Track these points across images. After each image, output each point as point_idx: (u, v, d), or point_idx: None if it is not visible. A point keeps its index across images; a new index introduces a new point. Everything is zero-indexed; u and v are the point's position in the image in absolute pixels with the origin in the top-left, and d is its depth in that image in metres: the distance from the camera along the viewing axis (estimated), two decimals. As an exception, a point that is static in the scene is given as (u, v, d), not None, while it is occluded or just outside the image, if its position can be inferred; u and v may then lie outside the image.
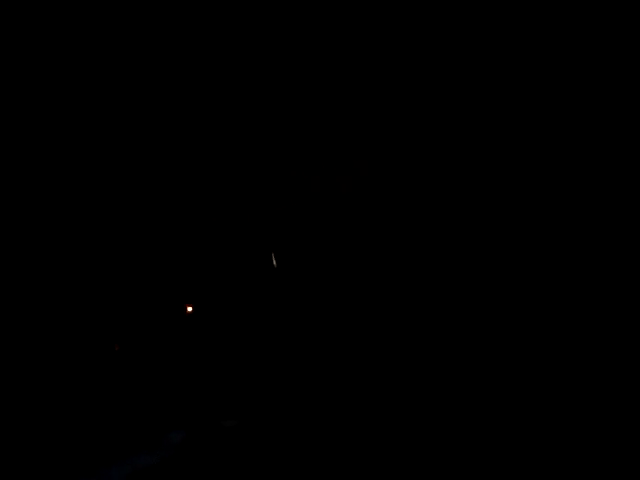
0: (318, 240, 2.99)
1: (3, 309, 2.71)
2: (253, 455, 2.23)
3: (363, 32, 2.91)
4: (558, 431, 2.20)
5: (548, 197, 2.75)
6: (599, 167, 2.71)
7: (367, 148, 3.01)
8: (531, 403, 2.35)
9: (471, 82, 2.86)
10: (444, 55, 2.88)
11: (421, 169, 2.96)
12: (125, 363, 2.78)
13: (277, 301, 2.95)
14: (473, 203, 2.85)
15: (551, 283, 2.65)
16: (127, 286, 2.94)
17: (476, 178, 2.87)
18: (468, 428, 2.28)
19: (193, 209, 3.04)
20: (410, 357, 2.67)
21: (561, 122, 2.76)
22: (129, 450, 2.29)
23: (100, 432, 2.41)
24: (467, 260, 2.83)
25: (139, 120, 2.97)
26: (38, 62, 2.85)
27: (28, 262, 2.81)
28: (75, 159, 2.92)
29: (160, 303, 2.95)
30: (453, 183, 2.90)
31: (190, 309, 2.92)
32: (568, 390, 2.37)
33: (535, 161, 2.78)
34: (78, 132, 2.93)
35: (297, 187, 3.02)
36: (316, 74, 2.98)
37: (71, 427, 2.42)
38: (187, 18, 2.91)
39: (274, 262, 2.82)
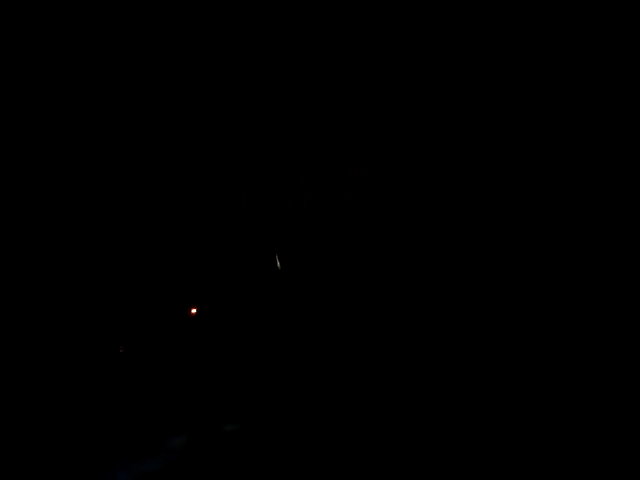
0: (320, 244, 3.00)
1: (8, 311, 2.70)
2: (257, 460, 2.23)
3: (362, 36, 2.90)
4: (558, 431, 2.22)
5: (552, 206, 2.75)
6: (599, 167, 2.72)
7: (367, 154, 3.01)
8: (531, 403, 2.37)
9: (472, 88, 2.86)
10: (445, 60, 2.88)
11: (422, 177, 2.96)
12: (127, 365, 2.78)
13: (281, 304, 2.95)
14: (477, 215, 2.86)
15: (555, 290, 2.66)
16: (128, 287, 2.94)
17: (480, 187, 2.87)
18: (472, 429, 2.29)
19: (199, 212, 3.04)
20: (413, 361, 2.68)
21: (565, 125, 2.76)
22: (131, 454, 2.28)
23: (102, 436, 2.40)
24: (470, 267, 2.84)
25: (142, 127, 2.96)
26: (38, 62, 2.83)
27: (33, 262, 2.80)
28: (79, 161, 2.91)
29: (162, 305, 2.94)
30: (455, 192, 2.90)
31: (194, 311, 2.92)
32: (568, 390, 2.38)
33: (538, 168, 2.79)
34: (80, 133, 2.91)
35: (299, 191, 3.02)
36: (314, 80, 2.97)
37: (73, 431, 2.42)
38: (180, 19, 2.90)
39: (278, 264, 2.82)
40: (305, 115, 3.02)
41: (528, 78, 2.81)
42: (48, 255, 2.83)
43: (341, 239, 3.01)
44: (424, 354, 2.69)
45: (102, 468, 2.18)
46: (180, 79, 2.96)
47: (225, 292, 2.99)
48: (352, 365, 2.72)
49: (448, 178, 2.93)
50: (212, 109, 3.02)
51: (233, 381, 2.76)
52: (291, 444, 2.30)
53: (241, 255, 3.03)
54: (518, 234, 2.80)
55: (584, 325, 2.55)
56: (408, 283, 2.89)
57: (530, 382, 2.46)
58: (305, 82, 2.99)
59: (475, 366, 2.59)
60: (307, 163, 3.03)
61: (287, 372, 2.76)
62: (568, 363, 2.48)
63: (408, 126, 2.97)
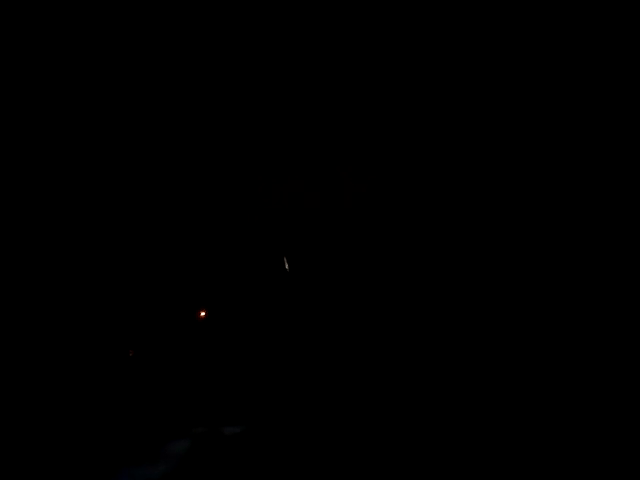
0: (321, 244, 2.99)
1: (16, 314, 2.69)
2: (259, 463, 2.22)
3: (362, 38, 2.89)
4: (558, 431, 2.23)
5: (552, 206, 2.75)
6: (599, 167, 2.72)
7: (367, 156, 3.01)
8: (531, 403, 2.37)
9: (470, 90, 2.86)
10: (443, 63, 2.87)
11: (421, 176, 2.96)
12: (129, 370, 2.76)
13: (286, 307, 2.95)
14: (476, 214, 2.86)
15: (556, 293, 2.66)
16: (134, 289, 2.93)
17: (478, 187, 2.87)
18: (475, 429, 2.29)
19: (207, 216, 3.04)
20: (418, 365, 2.68)
21: (563, 125, 2.76)
22: (132, 460, 2.27)
23: (103, 442, 2.39)
24: (469, 265, 2.84)
25: (151, 132, 2.97)
26: (37, 62, 2.81)
27: (42, 266, 2.80)
28: (87, 163, 2.91)
29: (169, 309, 2.94)
30: (454, 192, 2.90)
31: (203, 314, 2.91)
32: (568, 390, 2.39)
33: (538, 169, 2.79)
34: (83, 134, 2.90)
35: (302, 195, 3.02)
36: (315, 85, 2.97)
37: (75, 437, 2.41)
38: (179, 19, 2.88)
39: (286, 266, 2.81)
40: (305, 116, 3.01)
41: (526, 80, 2.80)
42: (60, 258, 2.83)
43: (341, 239, 3.00)
44: (424, 352, 2.70)
45: (103, 474, 2.17)
46: (190, 89, 2.97)
47: (229, 296, 2.99)
48: (353, 368, 2.72)
49: (448, 178, 2.93)
50: (220, 118, 3.03)
51: (234, 383, 2.75)
52: (297, 447, 2.29)
53: (248, 258, 3.03)
54: (518, 234, 2.80)
55: (584, 324, 2.56)
56: (408, 283, 2.89)
57: (530, 381, 2.47)
58: (305, 86, 2.98)
59: (475, 365, 2.60)
60: (308, 165, 3.03)
61: (292, 374, 2.75)
62: (568, 362, 2.49)
63: (408, 127, 2.97)
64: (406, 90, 2.96)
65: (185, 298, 2.98)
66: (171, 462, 2.23)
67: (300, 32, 2.91)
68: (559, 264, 2.71)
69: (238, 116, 3.03)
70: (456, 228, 2.90)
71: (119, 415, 2.55)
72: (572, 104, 2.77)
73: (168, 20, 2.86)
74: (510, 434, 2.24)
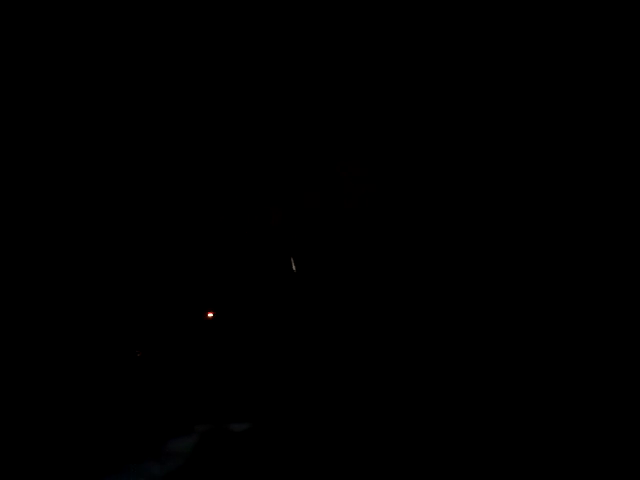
0: (329, 249, 3.00)
1: (22, 315, 2.71)
2: (267, 460, 2.20)
3: (362, 39, 2.90)
4: (558, 431, 2.22)
5: (551, 206, 2.75)
6: (599, 167, 2.71)
7: (367, 156, 3.01)
8: (531, 403, 2.37)
9: (469, 89, 2.86)
10: (443, 62, 2.87)
11: (421, 177, 2.96)
12: (134, 369, 2.77)
13: (292, 306, 2.95)
14: (476, 213, 2.86)
15: (556, 293, 2.66)
16: (142, 290, 2.95)
17: (477, 186, 2.87)
18: (476, 429, 2.29)
19: (216, 219, 3.06)
20: (422, 364, 2.67)
21: (565, 127, 2.76)
22: (135, 457, 2.27)
23: (106, 439, 2.40)
24: (469, 264, 2.84)
25: (160, 136, 3.00)
26: (37, 62, 2.82)
27: (50, 268, 2.82)
28: (98, 164, 2.94)
29: (176, 309, 2.95)
30: (454, 192, 2.90)
31: (211, 315, 2.92)
32: (568, 390, 2.38)
33: (538, 169, 2.79)
34: (88, 136, 2.92)
35: (307, 196, 3.03)
36: (316, 85, 2.97)
37: (78, 433, 2.41)
38: (180, 19, 2.89)
39: (293, 267, 2.82)
40: (306, 117, 3.02)
41: (525, 79, 2.80)
42: (70, 260, 2.86)
43: (341, 239, 3.01)
44: (424, 351, 2.70)
45: (106, 471, 2.18)
46: (191, 91, 3.00)
47: (235, 296, 3.00)
48: (357, 366, 2.72)
49: (447, 178, 2.93)
50: (222, 120, 3.05)
51: (240, 381, 2.75)
52: (303, 444, 2.28)
53: (252, 259, 3.04)
54: (518, 233, 2.80)
55: (583, 322, 2.56)
56: (408, 282, 2.89)
57: (529, 380, 2.46)
58: (306, 88, 2.99)
59: (475, 364, 2.60)
60: (308, 166, 3.04)
61: (298, 371, 2.75)
62: (567, 361, 2.49)
63: (407, 127, 2.97)
64: (406, 91, 2.96)
65: (191, 298, 3.00)
66: (176, 459, 2.23)
67: (300, 34, 2.92)
68: (563, 263, 2.71)
69: (240, 118, 3.05)
70: (456, 228, 2.90)
71: (124, 412, 2.56)
72: (572, 104, 2.77)
73: (169, 23, 2.87)
74: (510, 433, 2.24)
